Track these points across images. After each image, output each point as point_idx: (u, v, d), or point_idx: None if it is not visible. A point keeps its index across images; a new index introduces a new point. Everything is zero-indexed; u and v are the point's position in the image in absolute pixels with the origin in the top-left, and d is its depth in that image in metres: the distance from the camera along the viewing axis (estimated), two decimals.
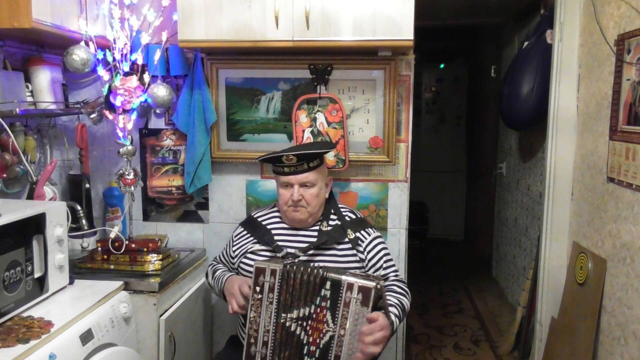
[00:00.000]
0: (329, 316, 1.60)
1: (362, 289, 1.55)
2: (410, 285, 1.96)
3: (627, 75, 1.90)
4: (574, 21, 2.34)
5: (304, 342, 1.63)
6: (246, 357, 1.67)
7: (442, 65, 5.65)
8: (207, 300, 2.32)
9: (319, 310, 1.62)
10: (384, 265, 1.87)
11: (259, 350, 1.65)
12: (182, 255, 2.18)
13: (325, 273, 1.61)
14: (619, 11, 1.97)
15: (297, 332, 1.64)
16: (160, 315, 1.87)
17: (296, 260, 1.76)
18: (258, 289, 1.64)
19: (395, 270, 1.90)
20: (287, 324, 1.64)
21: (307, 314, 1.63)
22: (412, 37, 1.87)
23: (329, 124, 2.15)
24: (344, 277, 1.58)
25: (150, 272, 1.93)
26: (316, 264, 1.72)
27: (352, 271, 1.69)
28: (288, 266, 1.64)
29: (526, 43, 2.88)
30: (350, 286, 1.56)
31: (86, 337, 1.51)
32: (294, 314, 1.63)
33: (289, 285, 1.63)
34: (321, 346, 1.61)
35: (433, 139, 5.65)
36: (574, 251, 2.34)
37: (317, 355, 1.62)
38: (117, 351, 1.63)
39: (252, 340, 1.66)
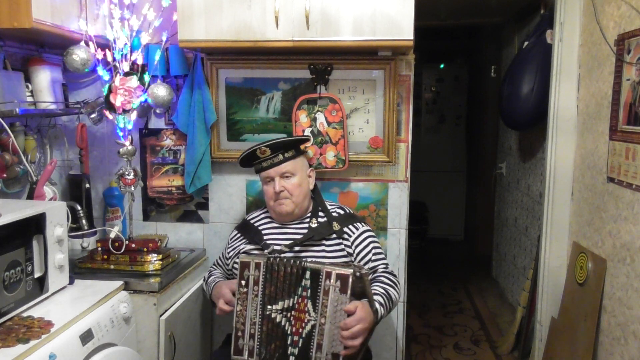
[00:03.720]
0: (310, 305, 1.64)
1: (340, 277, 1.58)
2: (410, 285, 1.97)
3: (627, 75, 1.90)
4: (574, 21, 2.34)
5: (288, 332, 1.66)
6: (234, 350, 1.69)
7: (442, 65, 5.65)
8: (207, 301, 2.31)
9: (300, 300, 1.65)
10: (373, 258, 1.89)
11: (246, 342, 1.67)
12: (182, 255, 2.18)
13: (304, 263, 1.65)
14: (619, 11, 1.97)
15: (282, 323, 1.66)
16: (160, 315, 1.87)
17: (281, 255, 1.79)
18: (243, 282, 1.68)
19: (385, 263, 1.92)
20: (273, 315, 1.66)
21: (290, 304, 1.66)
22: (412, 37, 1.87)
23: (329, 124, 2.15)
24: (322, 266, 1.62)
25: (150, 272, 1.93)
26: (304, 259, 1.75)
27: (334, 262, 1.72)
28: (271, 259, 1.68)
29: (526, 43, 2.88)
30: (328, 274, 1.59)
31: (86, 337, 1.51)
32: (279, 305, 1.66)
33: (273, 277, 1.66)
34: (304, 335, 1.64)
35: (433, 139, 5.65)
36: (574, 251, 2.34)
37: (300, 345, 1.64)
38: (117, 351, 1.63)
39: (240, 334, 1.68)
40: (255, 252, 1.89)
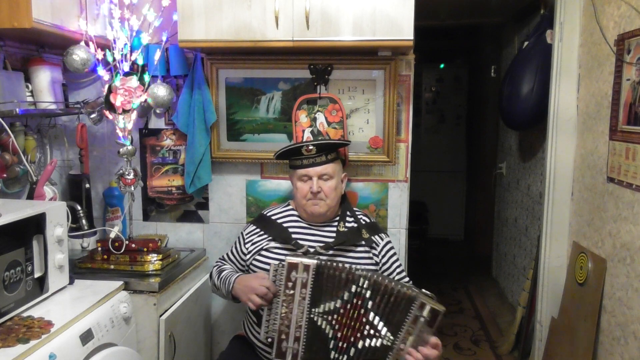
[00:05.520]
0: (375, 320, 1.59)
1: (433, 311, 1.54)
2: None
3: (627, 75, 1.90)
4: (574, 21, 2.34)
5: (330, 336, 1.63)
6: (277, 353, 1.66)
7: (442, 65, 5.66)
8: (207, 300, 2.32)
9: (348, 305, 1.61)
10: (398, 270, 1.90)
11: (291, 346, 1.65)
12: (182, 255, 2.18)
13: (387, 282, 1.59)
14: (619, 11, 1.97)
15: (323, 326, 1.64)
16: (160, 315, 1.87)
17: (319, 257, 1.75)
18: (290, 284, 1.64)
19: (406, 276, 1.93)
20: (315, 318, 1.64)
21: (332, 307, 1.63)
22: (412, 37, 1.87)
23: (329, 124, 2.15)
24: (414, 293, 1.56)
25: (150, 272, 1.93)
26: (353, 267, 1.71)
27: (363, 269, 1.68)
28: (322, 262, 1.64)
29: (526, 43, 2.88)
30: (422, 306, 1.54)
31: (86, 337, 1.51)
32: (321, 309, 1.64)
33: (321, 280, 1.63)
34: (359, 346, 1.60)
35: (433, 139, 5.65)
36: (574, 251, 2.34)
37: (350, 354, 1.61)
38: (117, 351, 1.63)
39: (284, 337, 1.65)
40: (281, 252, 1.84)
